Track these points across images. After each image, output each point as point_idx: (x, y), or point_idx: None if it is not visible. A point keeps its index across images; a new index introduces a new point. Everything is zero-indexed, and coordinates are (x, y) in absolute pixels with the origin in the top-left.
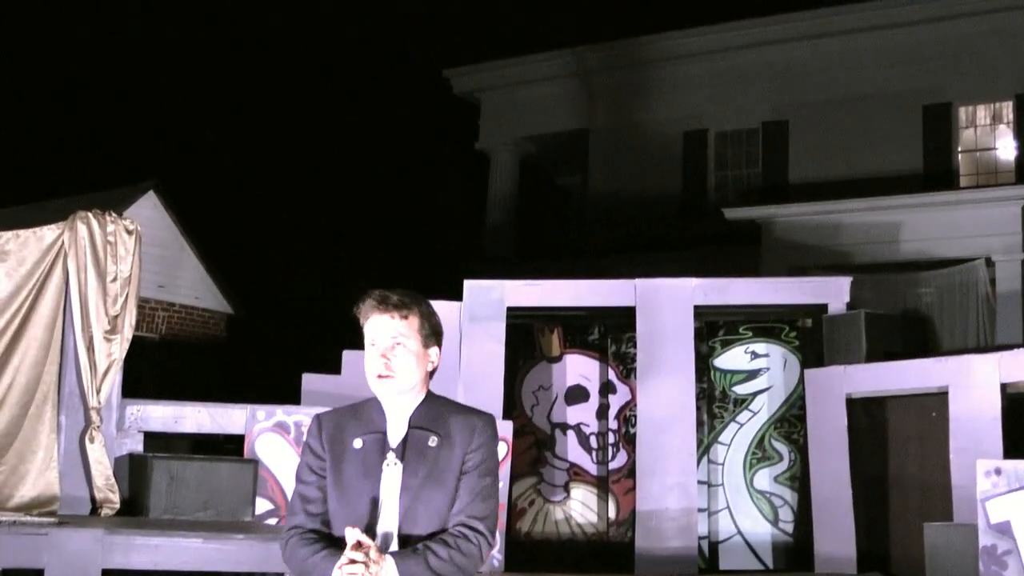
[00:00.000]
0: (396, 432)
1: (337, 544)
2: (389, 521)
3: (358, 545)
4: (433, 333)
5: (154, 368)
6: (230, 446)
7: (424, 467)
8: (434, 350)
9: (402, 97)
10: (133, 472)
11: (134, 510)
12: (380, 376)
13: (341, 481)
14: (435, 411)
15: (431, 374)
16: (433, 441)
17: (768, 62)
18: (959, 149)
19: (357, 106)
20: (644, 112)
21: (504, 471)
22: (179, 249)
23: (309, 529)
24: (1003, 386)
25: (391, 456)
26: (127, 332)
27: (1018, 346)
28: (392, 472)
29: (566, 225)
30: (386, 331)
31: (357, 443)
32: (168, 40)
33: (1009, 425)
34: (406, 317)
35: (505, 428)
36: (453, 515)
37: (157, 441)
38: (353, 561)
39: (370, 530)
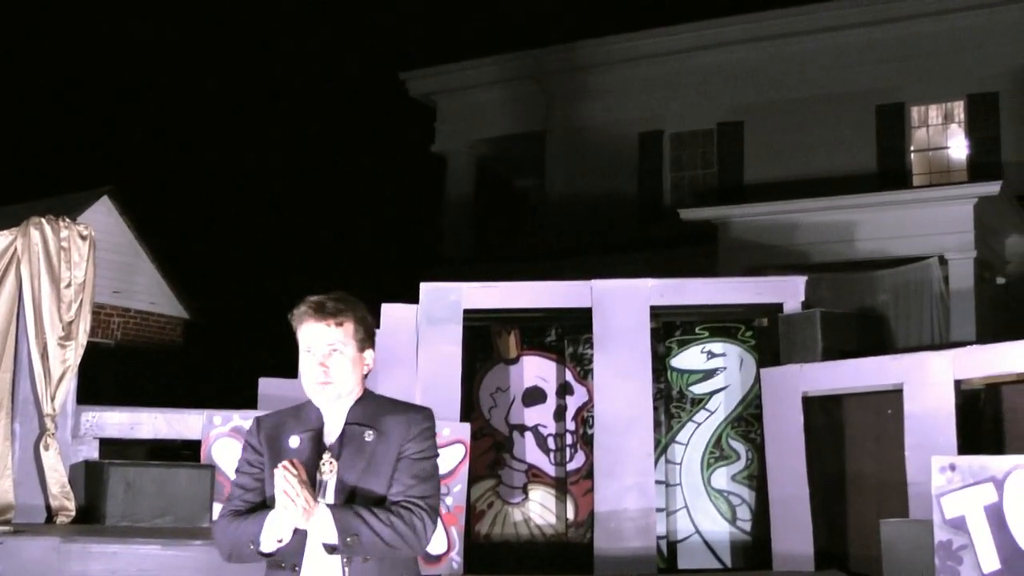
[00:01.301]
0: (333, 431)
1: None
2: None
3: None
4: (368, 336)
5: (110, 374)
6: (187, 452)
7: (361, 462)
8: (369, 352)
9: (358, 100)
10: (89, 479)
11: (90, 518)
12: (319, 383)
13: None
14: (372, 408)
15: (366, 376)
16: (369, 436)
17: (723, 63)
18: (912, 149)
19: (313, 109)
20: (600, 114)
21: (462, 473)
22: (134, 254)
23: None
24: (957, 383)
25: (326, 456)
26: (82, 338)
27: (972, 343)
28: (328, 470)
29: (523, 227)
30: (323, 339)
31: (294, 441)
32: (121, 45)
33: (963, 421)
34: (342, 324)
35: (463, 430)
36: (392, 496)
37: (113, 448)
38: (287, 469)
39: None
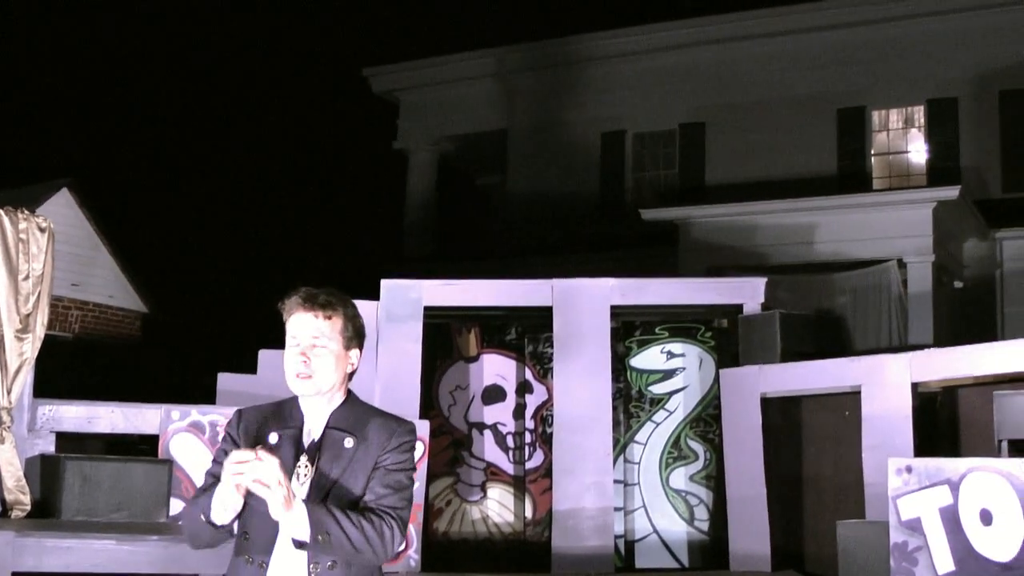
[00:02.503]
0: (313, 432)
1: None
2: None
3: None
4: (356, 335)
5: (67, 368)
6: (144, 446)
7: (338, 467)
8: (355, 352)
9: (321, 95)
10: (45, 473)
11: (46, 512)
12: (299, 375)
13: None
14: (355, 414)
15: (351, 376)
16: (349, 442)
17: (686, 65)
18: (872, 152)
19: (275, 104)
20: (563, 113)
21: (421, 471)
22: (93, 247)
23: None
24: (914, 385)
25: (303, 459)
26: (39, 331)
27: (929, 346)
28: (305, 473)
29: (485, 225)
30: (308, 330)
31: (273, 438)
32: (81, 36)
33: (920, 424)
34: (330, 317)
35: (422, 428)
36: (364, 502)
37: (70, 442)
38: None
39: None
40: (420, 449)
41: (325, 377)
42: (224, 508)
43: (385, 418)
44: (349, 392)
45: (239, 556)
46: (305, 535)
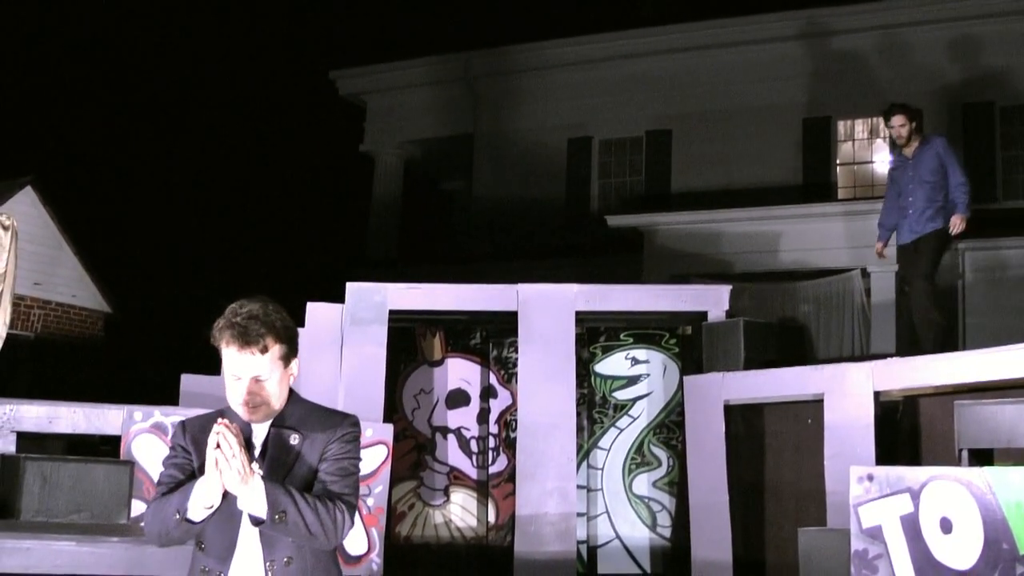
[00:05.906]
0: (259, 434)
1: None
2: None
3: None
4: (292, 348)
5: (28, 367)
6: (106, 447)
7: (287, 463)
8: (294, 363)
9: (287, 97)
10: (4, 473)
11: (5, 512)
12: (247, 405)
13: None
14: (299, 412)
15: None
16: (295, 439)
17: (653, 72)
18: (837, 162)
19: (242, 106)
20: (529, 119)
21: (384, 475)
22: (57, 246)
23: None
24: (876, 394)
25: (254, 463)
26: (1, 330)
27: (891, 355)
28: (254, 471)
29: (450, 230)
30: (248, 369)
31: None
32: (46, 34)
33: (881, 432)
34: (266, 349)
35: (386, 431)
36: (314, 491)
37: (30, 442)
38: (227, 426)
39: (233, 523)
40: (383, 452)
41: (274, 402)
42: (205, 501)
43: (328, 413)
44: (291, 391)
45: (196, 566)
46: (262, 512)
